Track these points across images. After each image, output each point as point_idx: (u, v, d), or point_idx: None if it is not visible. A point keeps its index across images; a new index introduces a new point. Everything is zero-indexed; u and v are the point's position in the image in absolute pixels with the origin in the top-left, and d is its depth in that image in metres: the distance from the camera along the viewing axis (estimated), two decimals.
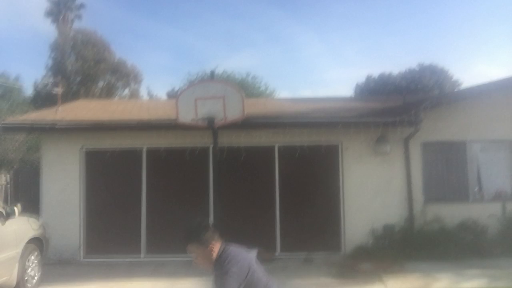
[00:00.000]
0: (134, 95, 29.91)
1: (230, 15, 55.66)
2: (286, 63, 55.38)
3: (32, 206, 8.76)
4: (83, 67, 27.80)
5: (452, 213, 8.62)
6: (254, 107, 9.87)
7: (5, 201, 11.35)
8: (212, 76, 9.56)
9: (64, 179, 8.81)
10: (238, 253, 2.66)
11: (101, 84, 29.42)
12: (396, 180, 8.90)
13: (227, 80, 20.88)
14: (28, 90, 29.57)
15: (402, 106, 9.87)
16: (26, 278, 6.35)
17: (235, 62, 54.96)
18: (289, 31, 55.10)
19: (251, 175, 8.90)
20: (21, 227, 6.40)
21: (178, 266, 7.67)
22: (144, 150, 8.96)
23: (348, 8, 53.22)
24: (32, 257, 6.60)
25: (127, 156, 8.84)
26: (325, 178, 8.99)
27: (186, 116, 8.01)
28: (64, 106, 10.59)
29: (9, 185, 12.45)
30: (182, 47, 55.14)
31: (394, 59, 52.66)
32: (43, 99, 24.86)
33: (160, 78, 54.23)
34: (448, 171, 9.06)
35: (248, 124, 8.29)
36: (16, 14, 49.34)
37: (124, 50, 61.00)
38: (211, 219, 8.64)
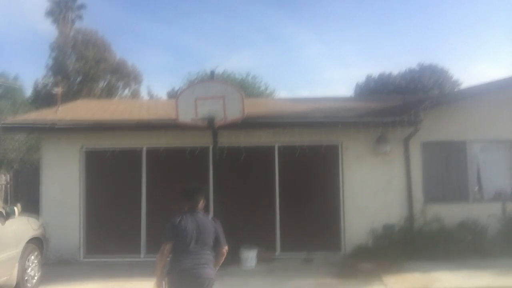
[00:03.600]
0: (135, 95, 29.92)
1: (229, 15, 55.85)
2: (285, 63, 55.53)
3: (32, 206, 8.74)
4: (84, 67, 27.80)
5: (452, 213, 8.61)
6: (254, 107, 9.87)
7: (5, 201, 11.33)
8: (212, 76, 9.54)
9: (64, 179, 8.82)
10: None
11: (101, 84, 29.42)
12: (396, 180, 8.90)
13: (227, 80, 20.88)
14: (28, 90, 29.62)
15: (402, 106, 9.87)
16: (26, 278, 6.36)
17: (234, 62, 55.05)
18: (288, 31, 55.22)
19: (251, 175, 8.90)
20: (21, 227, 6.40)
21: None
22: (144, 150, 8.96)
23: (347, 8, 53.34)
24: (32, 257, 6.61)
25: (127, 156, 8.84)
26: (325, 178, 8.99)
27: (186, 116, 8.01)
28: (64, 106, 10.60)
29: (9, 185, 12.43)
30: (182, 47, 55.34)
31: (394, 59, 52.77)
32: (43, 99, 24.84)
33: (160, 78, 54.34)
34: (448, 171, 9.05)
35: (248, 124, 8.29)
36: (16, 14, 49.38)
37: (124, 50, 61.12)
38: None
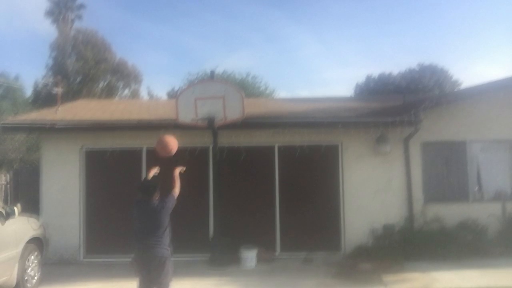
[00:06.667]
0: (135, 95, 29.92)
1: (228, 15, 55.77)
2: (284, 63, 55.47)
3: (32, 206, 8.74)
4: (84, 67, 27.79)
5: (452, 213, 8.62)
6: (254, 107, 9.88)
7: (5, 201, 11.34)
8: (212, 76, 9.56)
9: (64, 179, 8.82)
10: None
11: (101, 84, 29.42)
12: (396, 180, 8.90)
13: (227, 80, 20.88)
14: (28, 90, 29.63)
15: (402, 106, 9.87)
16: (26, 278, 6.36)
17: (234, 62, 55.10)
18: (287, 31, 55.20)
19: (251, 175, 8.90)
20: (21, 227, 6.40)
21: (177, 266, 7.60)
22: (144, 150, 8.95)
23: (346, 8, 53.33)
24: (32, 257, 6.61)
25: (127, 156, 8.84)
26: (325, 178, 8.99)
27: (186, 116, 8.02)
28: (64, 106, 10.60)
29: (9, 185, 12.43)
30: (181, 47, 55.27)
31: (394, 59, 52.74)
32: (43, 99, 24.84)
33: (160, 78, 54.28)
34: (448, 171, 9.06)
35: (248, 124, 8.29)
36: (16, 14, 49.39)
37: (123, 50, 60.98)
38: (211, 218, 8.66)
